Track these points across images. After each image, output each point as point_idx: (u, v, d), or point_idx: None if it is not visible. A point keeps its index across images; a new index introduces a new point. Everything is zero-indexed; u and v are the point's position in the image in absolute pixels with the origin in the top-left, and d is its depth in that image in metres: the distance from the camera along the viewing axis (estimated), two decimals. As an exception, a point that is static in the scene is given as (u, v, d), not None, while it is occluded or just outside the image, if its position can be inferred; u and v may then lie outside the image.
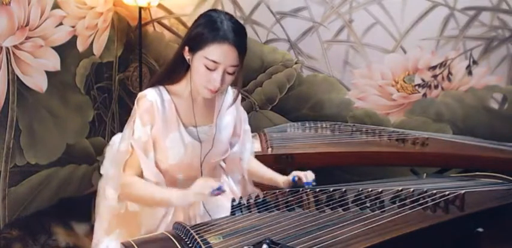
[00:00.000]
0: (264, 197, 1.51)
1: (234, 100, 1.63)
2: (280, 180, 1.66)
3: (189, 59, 1.48)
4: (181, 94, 1.54)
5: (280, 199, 1.51)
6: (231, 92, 1.66)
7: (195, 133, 1.56)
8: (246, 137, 1.76)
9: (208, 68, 1.43)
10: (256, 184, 1.79)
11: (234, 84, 1.57)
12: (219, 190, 1.34)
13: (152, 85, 1.54)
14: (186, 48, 1.47)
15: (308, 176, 1.62)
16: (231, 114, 1.66)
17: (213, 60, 1.42)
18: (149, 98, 1.49)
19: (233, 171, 1.76)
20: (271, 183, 1.70)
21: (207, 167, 1.61)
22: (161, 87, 1.53)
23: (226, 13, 1.49)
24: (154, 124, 1.49)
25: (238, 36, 1.43)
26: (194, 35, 1.45)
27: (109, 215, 1.59)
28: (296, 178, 1.61)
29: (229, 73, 1.45)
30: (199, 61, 1.44)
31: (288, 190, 1.57)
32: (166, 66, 1.56)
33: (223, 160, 1.73)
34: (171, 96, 1.53)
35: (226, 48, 1.41)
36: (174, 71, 1.53)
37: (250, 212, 1.45)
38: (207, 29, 1.43)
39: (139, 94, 1.52)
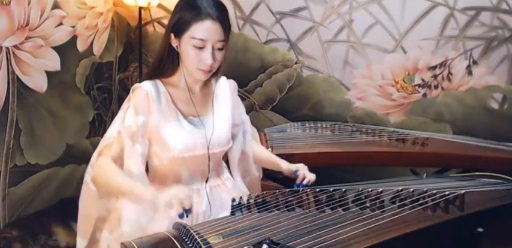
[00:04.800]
0: (264, 197, 1.51)
1: (218, 78, 1.64)
2: (284, 166, 1.68)
3: (176, 46, 1.49)
4: (177, 85, 1.55)
5: (280, 199, 1.51)
6: (225, 81, 1.67)
7: (195, 123, 1.56)
8: (245, 128, 1.77)
9: (197, 47, 1.44)
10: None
11: (216, 72, 1.57)
12: (186, 213, 1.30)
13: (146, 79, 1.54)
14: (172, 35, 1.48)
15: (306, 180, 1.62)
16: (229, 103, 1.66)
17: (200, 38, 1.43)
18: (144, 88, 1.49)
19: (238, 166, 1.76)
20: (274, 167, 1.74)
21: (212, 160, 1.61)
22: (157, 80, 1.54)
23: None
24: (150, 115, 1.48)
25: (219, 11, 1.45)
26: (176, 20, 1.47)
27: (91, 201, 1.55)
28: (298, 172, 1.63)
29: (219, 49, 1.47)
30: (187, 43, 1.45)
31: (288, 190, 1.57)
32: (155, 59, 1.56)
33: (228, 155, 1.73)
34: (166, 88, 1.53)
35: (210, 24, 1.43)
36: (164, 64, 1.53)
37: (250, 212, 1.45)
38: (187, 10, 1.45)
39: (135, 85, 1.52)
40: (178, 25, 1.46)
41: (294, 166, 1.66)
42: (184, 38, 1.45)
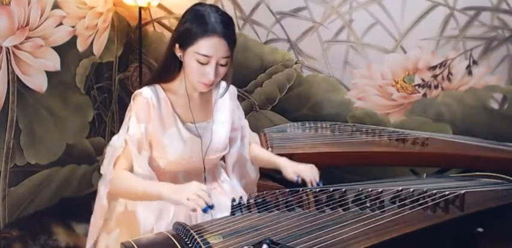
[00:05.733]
0: (264, 197, 1.51)
1: (224, 92, 1.64)
2: (284, 170, 1.66)
3: (180, 56, 1.49)
4: (176, 91, 1.56)
5: (280, 199, 1.51)
6: (225, 87, 1.67)
7: (193, 129, 1.56)
8: (244, 132, 1.77)
9: (200, 63, 1.44)
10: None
11: (224, 79, 1.58)
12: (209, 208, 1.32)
13: (147, 84, 1.55)
14: (176, 45, 1.48)
15: (313, 180, 1.61)
16: (228, 109, 1.67)
17: (205, 54, 1.43)
18: (144, 95, 1.50)
19: (234, 169, 1.76)
20: (271, 166, 1.73)
21: (208, 164, 1.62)
22: (157, 85, 1.54)
23: (212, 5, 1.50)
24: (150, 122, 1.50)
25: (226, 27, 1.45)
26: (183, 32, 1.46)
27: (100, 214, 1.59)
28: (299, 180, 1.61)
29: (222, 65, 1.47)
30: (191, 57, 1.45)
31: (288, 190, 1.57)
32: (159, 65, 1.58)
33: (225, 159, 1.74)
34: (166, 94, 1.54)
35: (216, 40, 1.42)
36: (166, 70, 1.54)
37: (250, 212, 1.45)
38: (194, 24, 1.44)
39: (135, 92, 1.53)
40: (184, 37, 1.46)
41: (293, 174, 1.63)
42: (189, 51, 1.45)
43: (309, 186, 1.60)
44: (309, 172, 1.62)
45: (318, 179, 1.61)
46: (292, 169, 1.64)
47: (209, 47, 1.42)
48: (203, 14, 1.45)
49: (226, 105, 1.67)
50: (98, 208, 1.61)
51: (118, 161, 1.49)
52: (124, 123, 1.54)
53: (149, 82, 1.56)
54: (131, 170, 1.49)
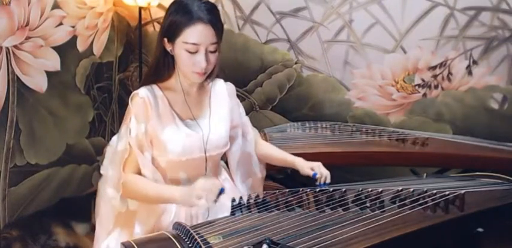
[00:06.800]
0: (264, 197, 1.51)
1: (214, 76, 1.64)
2: (300, 167, 1.67)
3: (170, 50, 1.49)
4: (173, 89, 1.56)
5: (280, 199, 1.51)
6: (223, 84, 1.67)
7: (192, 126, 1.56)
8: (246, 129, 1.77)
9: (190, 52, 1.45)
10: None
11: (210, 75, 1.57)
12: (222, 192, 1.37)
13: (143, 85, 1.55)
14: (165, 40, 1.49)
15: (326, 178, 1.63)
16: (227, 106, 1.67)
17: (192, 42, 1.44)
18: (141, 95, 1.51)
19: (238, 168, 1.76)
20: (287, 166, 1.73)
21: (209, 161, 1.61)
22: (153, 85, 1.55)
23: None
24: (149, 120, 1.50)
25: (210, 14, 1.45)
26: (168, 25, 1.47)
27: (110, 215, 1.59)
28: (317, 176, 1.63)
29: (212, 52, 1.47)
30: (180, 48, 1.46)
31: (288, 190, 1.57)
32: (152, 64, 1.58)
33: (228, 158, 1.74)
34: (163, 92, 1.54)
35: (202, 27, 1.43)
36: (160, 68, 1.54)
37: (250, 212, 1.45)
38: (178, 14, 1.45)
39: (132, 93, 1.54)
40: (170, 30, 1.47)
41: (310, 170, 1.65)
42: (177, 42, 1.46)
43: (320, 181, 1.61)
44: (323, 169, 1.64)
45: (329, 178, 1.62)
46: (308, 165, 1.66)
47: (196, 34, 1.43)
48: (186, 4, 1.46)
49: (225, 103, 1.67)
50: (105, 209, 1.60)
51: (126, 164, 1.51)
52: (124, 124, 1.54)
53: (145, 83, 1.56)
54: (139, 172, 1.51)
